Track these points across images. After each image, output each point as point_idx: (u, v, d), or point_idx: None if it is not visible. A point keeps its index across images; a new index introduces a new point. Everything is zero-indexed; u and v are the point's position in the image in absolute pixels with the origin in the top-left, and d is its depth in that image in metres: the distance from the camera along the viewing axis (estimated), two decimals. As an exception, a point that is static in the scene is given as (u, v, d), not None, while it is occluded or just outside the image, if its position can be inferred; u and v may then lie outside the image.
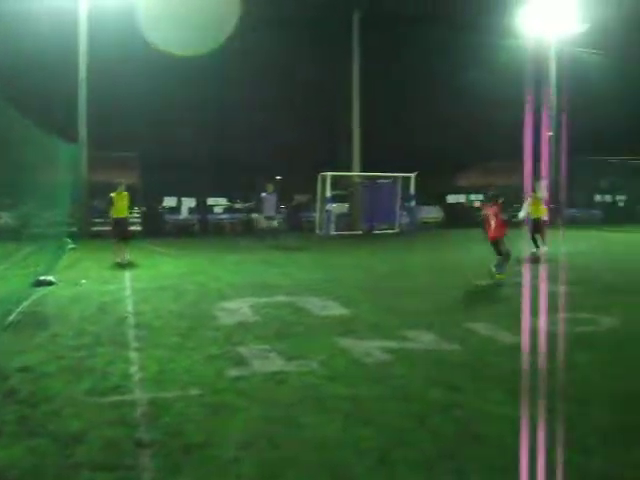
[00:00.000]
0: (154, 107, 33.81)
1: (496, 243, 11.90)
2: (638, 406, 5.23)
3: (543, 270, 10.24)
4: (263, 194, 21.33)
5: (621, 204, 35.78)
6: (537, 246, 14.87)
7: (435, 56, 36.27)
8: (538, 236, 15.02)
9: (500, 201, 12.12)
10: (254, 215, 25.49)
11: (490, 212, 12.02)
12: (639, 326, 8.25)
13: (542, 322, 7.83)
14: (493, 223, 11.87)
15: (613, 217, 32.58)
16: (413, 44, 35.94)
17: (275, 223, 21.44)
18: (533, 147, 4.34)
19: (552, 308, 7.72)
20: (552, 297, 6.71)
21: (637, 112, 36.02)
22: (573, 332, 7.35)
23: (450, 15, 33.70)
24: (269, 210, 21.17)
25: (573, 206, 31.72)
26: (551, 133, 27.07)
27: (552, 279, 4.36)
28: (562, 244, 16.95)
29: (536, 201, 15.43)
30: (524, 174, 5.10)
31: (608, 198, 35.82)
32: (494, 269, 11.74)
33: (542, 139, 5.52)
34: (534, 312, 4.79)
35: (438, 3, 33.75)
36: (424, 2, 33.32)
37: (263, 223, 21.64)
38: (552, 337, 7.13)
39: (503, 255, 11.80)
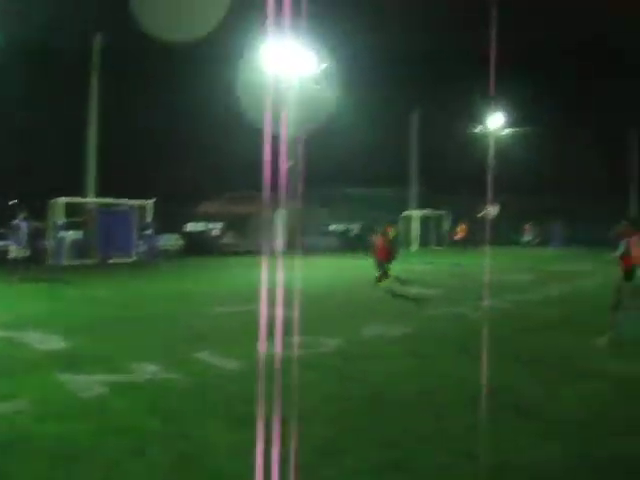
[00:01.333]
0: None
1: (380, 263, 16.36)
2: (348, 422, 5.69)
3: (279, 295, 10.61)
4: (16, 221, 19.21)
5: (354, 233, 38.50)
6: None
7: (177, 85, 36.49)
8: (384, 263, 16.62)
9: (389, 232, 16.92)
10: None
11: (378, 241, 16.66)
12: (357, 347, 8.99)
13: (269, 346, 8.23)
14: (379, 249, 16.45)
15: (346, 245, 35.15)
16: (155, 74, 35.86)
17: (25, 252, 19.17)
18: (273, 177, 4.52)
19: (283, 331, 8.10)
20: (284, 321, 7.02)
21: (370, 146, 39.60)
22: (300, 354, 7.80)
23: (190, 46, 34.16)
24: (20, 239, 18.95)
25: (310, 234, 33.54)
26: (291, 164, 28.57)
27: (285, 304, 4.63)
28: (299, 271, 17.78)
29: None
30: (264, 203, 5.33)
31: (342, 227, 38.34)
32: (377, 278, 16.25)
33: (281, 170, 5.80)
34: (261, 336, 4.98)
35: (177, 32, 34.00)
36: (161, 31, 33.33)
37: (15, 252, 19.24)
38: (279, 360, 7.51)
39: (382, 272, 16.31)
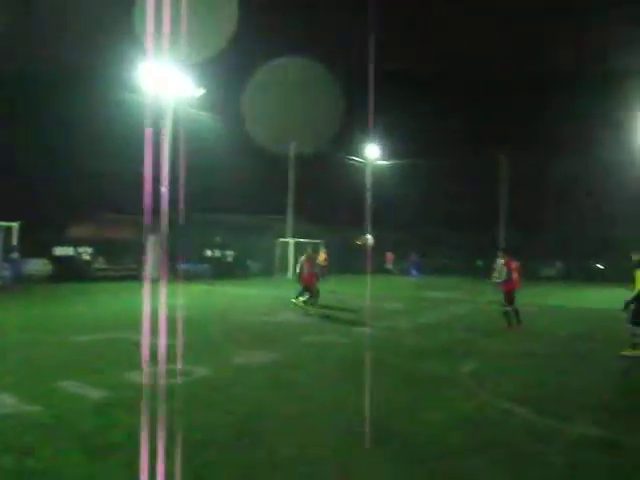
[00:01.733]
0: None
1: (307, 286, 17.81)
2: (212, 452, 5.65)
3: (148, 323, 10.41)
4: None
5: (230, 259, 38.42)
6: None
7: (48, 105, 35.07)
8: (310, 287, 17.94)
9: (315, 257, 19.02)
10: None
11: (305, 264, 17.91)
12: (226, 375, 8.95)
13: (136, 375, 8.04)
14: (306, 274, 17.84)
15: (222, 271, 34.97)
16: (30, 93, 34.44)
17: None
18: (151, 201, 4.40)
19: (151, 360, 7.93)
20: (154, 349, 6.89)
21: (245, 172, 39.71)
22: (168, 383, 7.67)
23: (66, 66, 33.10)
24: None
25: (186, 261, 33.11)
26: (165, 189, 28.09)
27: (157, 332, 4.52)
28: (177, 298, 17.48)
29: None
30: (142, 227, 5.22)
31: (218, 253, 38.18)
32: (300, 301, 17.61)
33: (160, 194, 5.67)
34: (132, 365, 4.85)
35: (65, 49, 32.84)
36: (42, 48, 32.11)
37: None
38: (144, 390, 7.34)
39: (313, 294, 17.92)
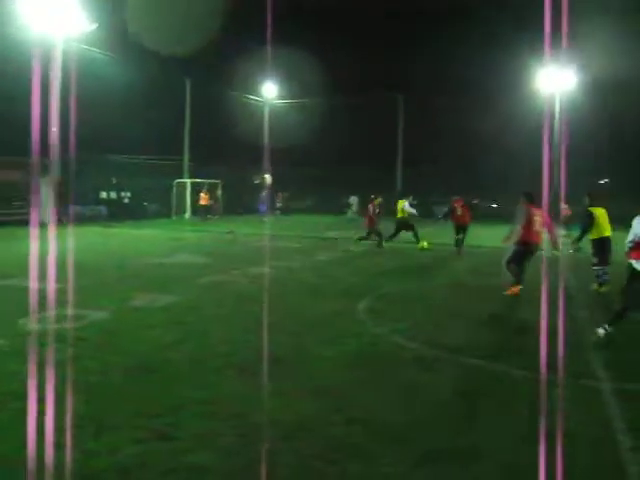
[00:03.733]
0: None
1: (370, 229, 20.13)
2: (112, 396, 5.67)
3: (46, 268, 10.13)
4: None
5: (126, 201, 37.42)
6: None
7: None
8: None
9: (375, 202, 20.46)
10: None
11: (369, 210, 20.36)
12: (124, 318, 8.89)
13: (31, 321, 7.84)
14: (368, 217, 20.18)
15: (118, 214, 34.00)
16: None
17: None
18: (40, 142, 4.20)
19: (47, 305, 7.74)
20: (50, 295, 6.73)
21: (141, 114, 38.26)
22: (63, 328, 7.57)
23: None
24: None
25: (79, 203, 31.90)
26: (55, 129, 26.66)
27: (53, 277, 4.41)
28: (69, 241, 16.83)
29: None
30: (29, 169, 5.01)
31: (114, 195, 37.06)
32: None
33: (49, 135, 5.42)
34: (22, 312, 4.74)
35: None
36: None
37: None
38: (38, 336, 7.22)
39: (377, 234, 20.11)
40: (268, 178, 41.04)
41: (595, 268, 12.31)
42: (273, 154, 38.44)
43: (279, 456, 4.43)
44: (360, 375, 6.45)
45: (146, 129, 37.75)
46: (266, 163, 38.08)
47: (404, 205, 20.14)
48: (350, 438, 4.81)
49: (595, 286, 12.24)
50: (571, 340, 7.42)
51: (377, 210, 20.09)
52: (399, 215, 20.26)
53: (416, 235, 20.02)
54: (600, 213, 12.36)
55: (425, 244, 19.79)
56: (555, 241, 11.69)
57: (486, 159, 41.86)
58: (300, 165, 47.02)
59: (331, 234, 25.10)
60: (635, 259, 7.77)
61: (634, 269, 7.76)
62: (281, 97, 46.85)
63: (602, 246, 12.24)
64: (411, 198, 21.08)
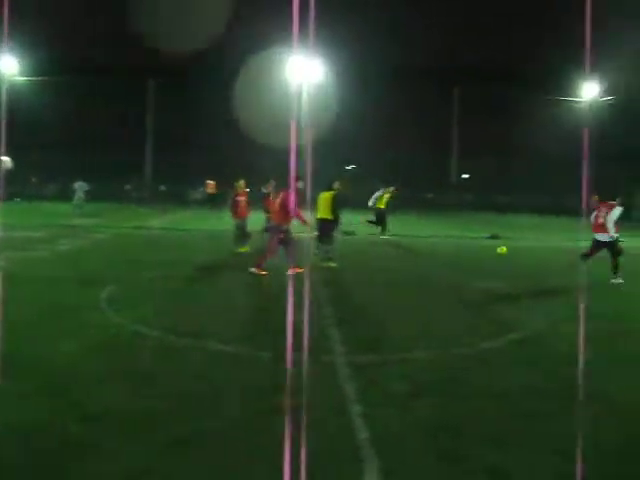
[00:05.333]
0: None
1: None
2: None
3: None
4: None
5: None
6: None
7: None
8: None
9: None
10: None
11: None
12: None
13: None
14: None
15: None
16: None
17: None
18: None
19: None
20: None
21: None
22: None
23: None
24: None
25: None
26: None
27: None
28: None
29: None
30: None
31: None
32: None
33: None
34: None
35: None
36: None
37: None
38: None
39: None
40: (7, 162, 37.46)
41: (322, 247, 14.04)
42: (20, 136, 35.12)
43: (10, 459, 4.08)
44: (99, 368, 6.15)
45: None
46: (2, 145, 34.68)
47: None
48: (89, 435, 4.55)
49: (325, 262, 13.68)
50: (314, 319, 7.86)
51: None
52: None
53: None
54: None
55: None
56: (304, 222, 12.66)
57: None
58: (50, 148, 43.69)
59: (77, 222, 23.77)
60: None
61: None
62: (25, 74, 42.65)
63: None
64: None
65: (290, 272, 12.01)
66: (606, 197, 12.86)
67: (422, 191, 51.69)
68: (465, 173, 48.08)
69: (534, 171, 46.68)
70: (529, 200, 49.45)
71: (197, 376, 5.99)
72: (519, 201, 50.20)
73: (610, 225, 12.40)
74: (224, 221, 19.16)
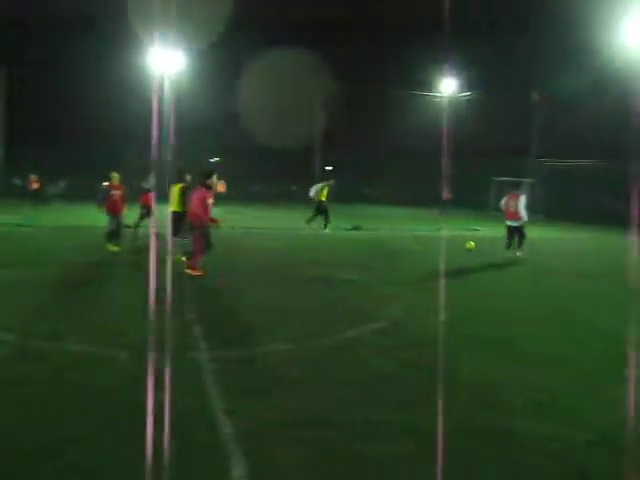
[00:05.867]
0: None
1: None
2: None
3: None
4: None
5: None
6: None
7: None
8: None
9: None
10: None
11: None
12: None
13: None
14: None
15: None
16: None
17: None
18: None
19: None
20: None
21: None
22: None
23: None
24: None
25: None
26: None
27: None
28: None
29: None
30: None
31: None
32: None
33: None
34: None
35: None
36: None
37: None
38: None
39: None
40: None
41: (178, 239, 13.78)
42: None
43: None
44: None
45: None
46: None
47: None
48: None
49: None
50: (178, 316, 7.73)
51: None
52: None
53: None
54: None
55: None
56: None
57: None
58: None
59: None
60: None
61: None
62: None
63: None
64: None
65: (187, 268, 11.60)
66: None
67: (286, 184, 51.87)
68: (328, 165, 48.69)
69: (396, 164, 48.34)
70: (391, 192, 51.06)
71: (59, 381, 5.73)
72: (381, 194, 51.77)
73: (523, 212, 15.27)
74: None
